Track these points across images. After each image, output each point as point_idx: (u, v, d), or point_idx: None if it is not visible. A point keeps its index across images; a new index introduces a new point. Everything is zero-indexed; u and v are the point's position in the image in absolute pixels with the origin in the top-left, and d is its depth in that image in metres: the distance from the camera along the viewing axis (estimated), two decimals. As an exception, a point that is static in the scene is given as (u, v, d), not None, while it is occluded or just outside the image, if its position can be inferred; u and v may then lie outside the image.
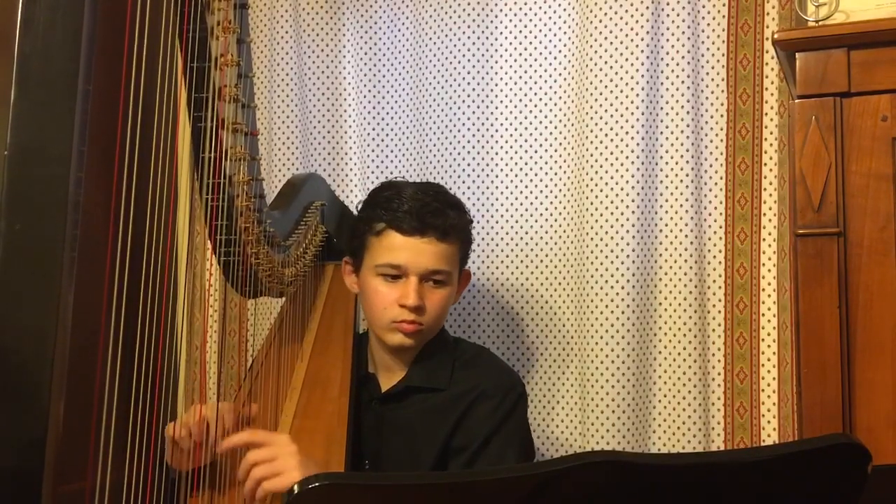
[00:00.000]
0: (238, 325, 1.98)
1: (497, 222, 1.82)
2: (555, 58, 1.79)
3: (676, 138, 1.67)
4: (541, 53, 1.80)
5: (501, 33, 1.83)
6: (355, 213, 1.53)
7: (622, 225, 1.67)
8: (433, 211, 1.38)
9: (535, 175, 1.80)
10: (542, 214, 1.80)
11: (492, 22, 1.83)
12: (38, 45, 0.63)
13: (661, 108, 1.69)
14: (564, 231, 1.78)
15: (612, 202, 1.68)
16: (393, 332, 1.39)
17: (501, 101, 1.83)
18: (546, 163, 1.79)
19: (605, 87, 1.70)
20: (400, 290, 1.38)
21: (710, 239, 1.67)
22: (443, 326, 1.51)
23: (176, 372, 1.89)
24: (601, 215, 1.69)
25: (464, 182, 1.83)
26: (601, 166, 1.70)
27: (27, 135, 0.64)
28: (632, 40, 1.69)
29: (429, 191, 1.42)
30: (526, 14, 1.82)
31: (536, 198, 1.80)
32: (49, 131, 0.64)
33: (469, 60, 1.85)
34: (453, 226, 1.40)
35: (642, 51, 1.68)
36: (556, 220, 1.79)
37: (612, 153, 1.69)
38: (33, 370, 0.64)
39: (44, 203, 0.64)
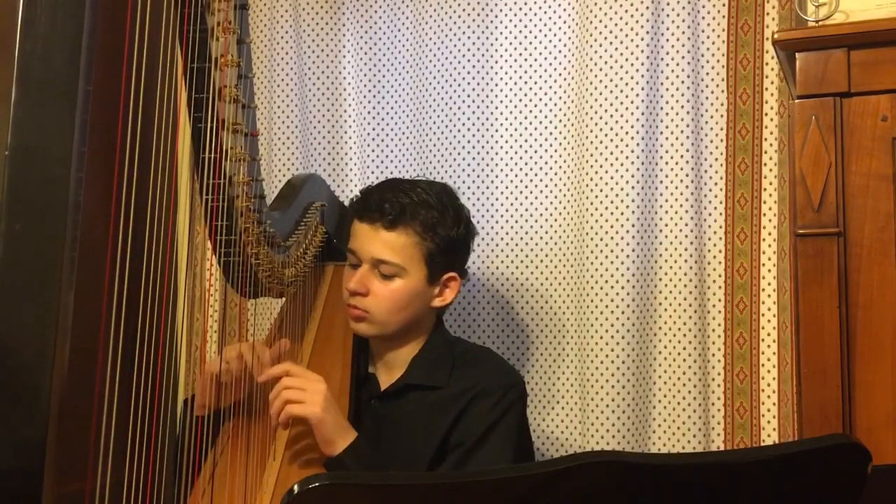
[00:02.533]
0: (238, 326, 1.98)
1: (497, 222, 1.82)
2: (555, 58, 1.79)
3: (676, 138, 1.67)
4: (541, 53, 1.80)
5: (501, 33, 1.83)
6: (356, 213, 1.53)
7: (622, 225, 1.67)
8: (391, 201, 1.39)
9: (535, 175, 1.80)
10: (542, 214, 1.79)
11: (492, 22, 1.83)
12: (39, 45, 0.63)
13: (661, 108, 1.69)
14: (564, 231, 1.78)
15: (612, 202, 1.68)
16: (348, 316, 1.44)
17: (501, 101, 1.83)
18: (546, 163, 1.79)
19: (605, 87, 1.70)
20: (353, 276, 1.42)
21: (710, 239, 1.67)
22: (442, 326, 1.51)
23: (176, 372, 1.89)
24: (601, 215, 1.69)
25: (464, 182, 1.83)
26: (601, 166, 1.70)
27: (27, 135, 0.64)
28: (632, 40, 1.69)
29: (413, 187, 1.43)
30: (526, 14, 1.81)
31: (536, 198, 1.80)
32: (49, 132, 0.64)
33: (469, 60, 1.85)
34: (403, 217, 1.39)
35: (642, 51, 1.68)
36: (556, 220, 1.78)
37: (612, 153, 1.69)
38: (33, 371, 0.64)
39: (44, 204, 0.65)
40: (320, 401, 1.23)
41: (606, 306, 1.67)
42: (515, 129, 1.82)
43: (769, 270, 1.60)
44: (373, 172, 1.92)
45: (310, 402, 1.23)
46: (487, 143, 1.83)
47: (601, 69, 1.71)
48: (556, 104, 1.79)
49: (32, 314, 0.64)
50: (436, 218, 1.41)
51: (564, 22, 1.78)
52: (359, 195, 1.49)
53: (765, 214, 1.61)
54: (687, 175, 1.66)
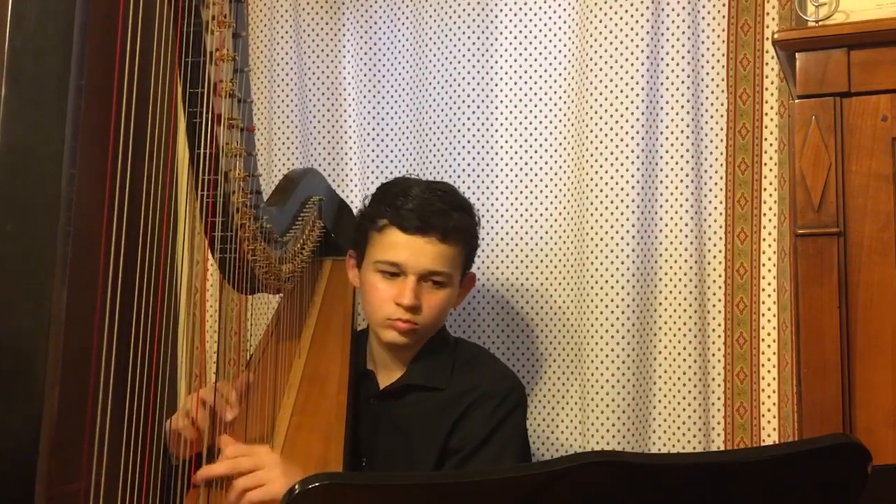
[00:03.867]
0: (237, 324, 1.98)
1: (497, 222, 1.82)
2: (555, 58, 1.79)
3: (676, 138, 1.67)
4: (541, 53, 1.80)
5: (501, 33, 1.83)
6: (354, 208, 1.53)
7: (622, 225, 1.67)
8: (437, 211, 1.37)
9: (535, 175, 1.80)
10: (542, 214, 1.79)
11: (492, 22, 1.83)
12: (29, 42, 0.63)
13: (661, 108, 1.69)
14: (564, 231, 1.77)
15: (612, 202, 1.68)
16: (388, 329, 1.39)
17: (501, 101, 1.83)
18: (546, 163, 1.79)
19: (605, 87, 1.70)
20: (397, 288, 1.37)
21: (710, 239, 1.66)
22: (443, 326, 1.51)
23: (174, 372, 1.89)
24: (601, 215, 1.69)
25: (464, 182, 1.83)
26: (601, 166, 1.69)
27: (18, 133, 0.63)
28: (632, 40, 1.69)
29: (436, 190, 1.41)
30: (526, 14, 1.81)
31: (536, 198, 1.80)
32: (41, 129, 0.64)
33: (469, 60, 1.84)
34: (456, 228, 1.38)
35: (642, 51, 1.68)
36: (556, 220, 1.78)
37: (612, 153, 1.69)
38: (27, 371, 0.64)
39: (35, 202, 0.64)
40: (279, 474, 1.13)
41: (606, 306, 1.67)
42: (515, 129, 1.82)
43: (769, 270, 1.60)
44: (373, 172, 1.92)
45: (269, 481, 1.12)
46: (487, 143, 1.83)
47: (601, 69, 1.71)
48: (556, 104, 1.78)
49: (25, 314, 0.64)
50: (470, 222, 1.44)
51: (564, 22, 1.78)
52: (378, 203, 1.43)
53: (765, 214, 1.61)
54: (687, 175, 1.66)
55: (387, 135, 1.93)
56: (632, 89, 1.68)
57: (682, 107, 1.66)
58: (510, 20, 1.82)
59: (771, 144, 1.61)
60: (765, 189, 1.62)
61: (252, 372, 1.36)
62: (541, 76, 1.80)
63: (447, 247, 1.38)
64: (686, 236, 1.66)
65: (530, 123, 1.81)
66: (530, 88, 1.81)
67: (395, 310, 1.37)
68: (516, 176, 1.81)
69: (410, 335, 1.39)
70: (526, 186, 1.81)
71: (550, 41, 1.79)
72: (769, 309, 1.60)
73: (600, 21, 1.71)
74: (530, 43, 1.81)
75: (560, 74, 1.78)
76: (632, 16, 1.69)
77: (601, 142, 1.70)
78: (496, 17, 1.83)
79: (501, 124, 1.83)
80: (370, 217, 1.42)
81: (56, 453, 0.64)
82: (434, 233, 1.36)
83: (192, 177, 1.10)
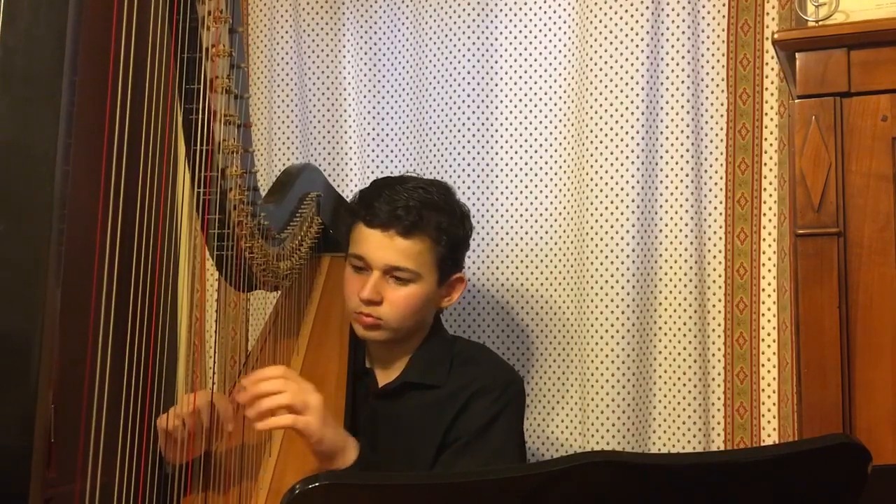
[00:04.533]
0: (235, 321, 1.97)
1: (497, 222, 1.82)
2: (555, 58, 1.79)
3: (676, 138, 1.67)
4: (541, 53, 1.80)
5: (501, 33, 1.83)
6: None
7: (622, 225, 1.67)
8: (404, 207, 1.36)
9: (535, 175, 1.80)
10: (542, 214, 1.79)
11: (492, 22, 1.83)
12: (21, 40, 0.62)
13: (661, 108, 1.68)
14: (564, 231, 1.77)
15: (612, 202, 1.68)
16: (355, 322, 1.40)
17: (501, 101, 1.82)
18: (546, 163, 1.79)
19: (605, 87, 1.70)
20: (362, 282, 1.38)
21: (710, 239, 1.66)
22: (440, 325, 1.51)
23: (172, 371, 1.88)
24: (601, 215, 1.69)
25: (464, 182, 1.82)
26: (601, 166, 1.69)
27: (11, 131, 0.63)
28: (632, 40, 1.69)
29: (416, 188, 1.40)
30: (526, 14, 1.81)
31: (536, 198, 1.80)
32: (33, 127, 0.63)
33: (469, 60, 1.84)
34: (419, 223, 1.36)
35: (642, 51, 1.67)
36: (556, 220, 1.78)
37: (612, 153, 1.69)
38: (20, 371, 0.63)
39: (28, 201, 0.63)
40: (317, 413, 1.12)
41: (606, 306, 1.67)
42: (515, 129, 1.81)
43: (769, 270, 1.60)
44: (373, 172, 1.92)
45: (307, 414, 1.11)
46: (487, 143, 1.83)
47: (601, 69, 1.71)
48: (556, 104, 1.78)
49: (19, 313, 0.63)
50: (446, 221, 1.40)
51: (564, 22, 1.78)
52: (358, 198, 1.45)
53: (765, 214, 1.61)
54: (687, 175, 1.66)
55: (387, 135, 1.93)
56: (632, 89, 1.68)
57: (682, 107, 1.66)
58: (510, 20, 1.82)
59: (771, 144, 1.61)
60: (765, 189, 1.61)
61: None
62: (541, 76, 1.80)
63: (411, 243, 1.36)
64: (686, 236, 1.65)
65: (530, 123, 1.80)
66: (530, 88, 1.80)
67: (359, 303, 1.38)
68: (516, 176, 1.81)
69: (375, 330, 1.39)
70: (526, 186, 1.80)
71: (550, 41, 1.79)
72: (769, 309, 1.60)
73: (600, 21, 1.71)
74: (530, 43, 1.81)
75: (560, 74, 1.78)
76: (632, 16, 1.69)
77: (601, 142, 1.70)
78: (496, 17, 1.83)
79: (501, 124, 1.82)
80: (351, 213, 1.44)
81: (51, 454, 0.64)
82: (395, 227, 1.36)
83: (189, 174, 1.09)
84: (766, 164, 1.62)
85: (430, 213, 1.38)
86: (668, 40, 1.68)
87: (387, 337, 1.41)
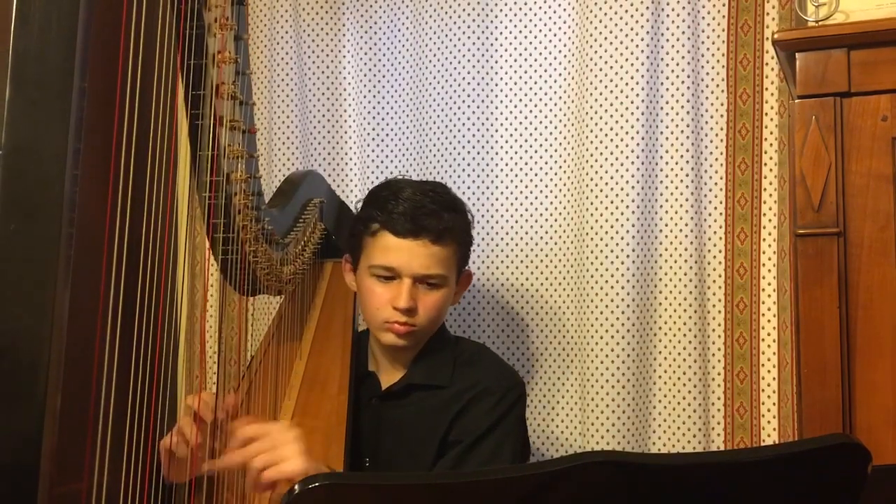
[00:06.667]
0: (238, 325, 1.98)
1: (497, 222, 1.82)
2: (555, 58, 1.79)
3: (676, 138, 1.67)
4: (541, 53, 1.80)
5: (501, 33, 1.83)
6: (354, 210, 1.53)
7: (622, 225, 1.67)
8: (428, 213, 1.36)
9: (535, 175, 1.80)
10: (542, 214, 1.79)
11: (492, 22, 1.83)
12: (33, 43, 0.63)
13: (661, 108, 1.69)
14: (564, 231, 1.78)
15: (612, 202, 1.68)
16: (386, 332, 1.39)
17: (501, 101, 1.83)
18: (546, 163, 1.79)
19: (605, 87, 1.70)
20: (393, 292, 1.37)
21: (710, 239, 1.66)
22: (443, 325, 1.51)
23: (175, 372, 1.89)
24: (601, 215, 1.69)
25: (464, 182, 1.83)
26: (601, 166, 1.70)
27: (21, 135, 0.63)
28: (632, 40, 1.69)
29: (427, 191, 1.40)
30: (526, 14, 1.81)
31: (536, 198, 1.80)
32: (44, 130, 0.64)
33: (469, 60, 1.84)
34: (448, 228, 1.38)
35: (642, 51, 1.68)
36: (556, 220, 1.78)
37: (612, 153, 1.69)
38: (29, 371, 0.64)
39: (38, 203, 0.64)
40: (294, 451, 1.08)
41: (606, 306, 1.67)
42: (515, 129, 1.82)
43: (769, 270, 1.60)
44: (373, 172, 1.92)
45: (284, 459, 1.08)
46: (487, 143, 1.83)
47: (601, 69, 1.71)
48: (556, 104, 1.78)
49: (28, 314, 0.64)
50: (462, 221, 1.43)
51: (564, 22, 1.78)
52: (370, 207, 1.42)
53: (765, 214, 1.61)
54: (687, 175, 1.66)
55: (387, 135, 1.94)
56: (632, 89, 1.68)
57: (682, 107, 1.66)
58: (510, 20, 1.82)
59: (771, 144, 1.61)
60: (765, 189, 1.62)
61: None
62: (541, 76, 1.80)
63: (440, 248, 1.37)
64: (686, 236, 1.66)
65: (530, 123, 1.81)
66: (530, 88, 1.81)
67: (393, 313, 1.37)
68: (516, 176, 1.81)
69: (409, 337, 1.39)
70: (526, 186, 1.81)
71: (550, 41, 1.79)
72: (769, 309, 1.60)
73: (600, 21, 1.71)
74: (530, 43, 1.81)
75: (560, 74, 1.78)
76: (632, 16, 1.69)
77: (601, 142, 1.70)
78: (496, 17, 1.83)
79: (501, 124, 1.83)
80: (363, 221, 1.42)
81: (59, 453, 0.64)
82: (426, 235, 1.36)
83: (195, 178, 1.10)
84: (766, 164, 1.62)
85: (451, 216, 1.39)
86: (668, 40, 1.68)
87: (416, 342, 1.42)
